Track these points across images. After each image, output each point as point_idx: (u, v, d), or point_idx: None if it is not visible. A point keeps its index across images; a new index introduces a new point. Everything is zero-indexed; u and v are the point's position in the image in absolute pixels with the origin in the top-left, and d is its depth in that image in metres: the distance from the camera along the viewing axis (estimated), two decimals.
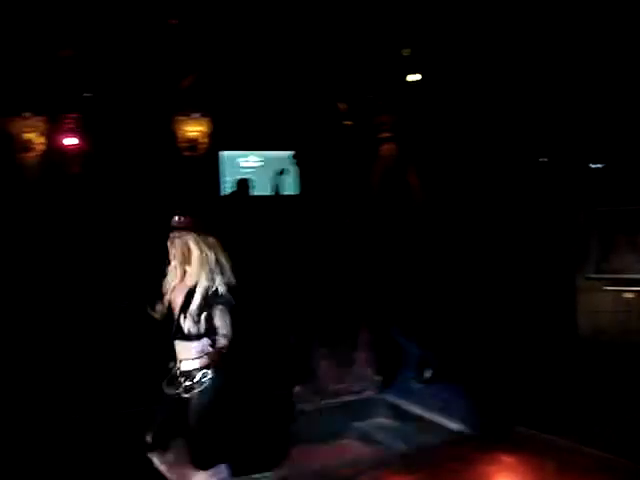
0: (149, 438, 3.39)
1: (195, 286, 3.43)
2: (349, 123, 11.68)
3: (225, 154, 11.21)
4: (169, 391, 3.44)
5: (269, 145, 11.35)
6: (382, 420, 6.27)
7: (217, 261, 3.48)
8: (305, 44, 10.99)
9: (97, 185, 10.15)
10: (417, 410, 6.08)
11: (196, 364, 3.43)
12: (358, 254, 9.02)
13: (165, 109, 10.79)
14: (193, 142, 10.75)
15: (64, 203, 9.74)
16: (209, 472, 3.39)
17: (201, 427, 3.40)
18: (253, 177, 10.60)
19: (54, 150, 10.39)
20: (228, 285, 3.46)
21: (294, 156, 11.30)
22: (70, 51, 10.21)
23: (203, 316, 3.41)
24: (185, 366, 3.44)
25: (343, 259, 9.15)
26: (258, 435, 5.27)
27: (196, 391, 3.40)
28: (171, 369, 3.53)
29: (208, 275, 3.41)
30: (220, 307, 3.41)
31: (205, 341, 3.39)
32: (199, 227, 3.50)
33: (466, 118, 10.75)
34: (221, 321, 3.41)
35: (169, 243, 3.51)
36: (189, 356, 3.42)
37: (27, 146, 10.19)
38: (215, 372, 3.44)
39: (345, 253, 9.27)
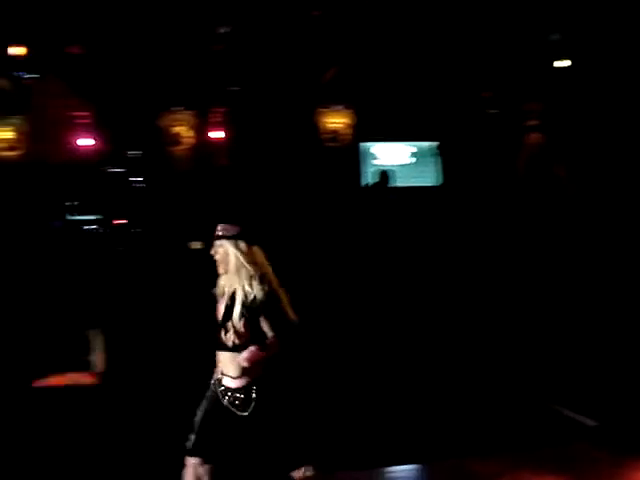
0: (189, 443, 3.28)
1: (234, 294, 3.27)
2: (494, 111, 11.36)
3: (366, 145, 11.18)
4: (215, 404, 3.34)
5: (411, 136, 11.21)
6: None
7: (255, 268, 3.29)
8: (447, 32, 10.77)
9: (243, 176, 10.37)
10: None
11: (242, 380, 3.27)
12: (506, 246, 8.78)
13: (308, 102, 10.89)
14: (335, 134, 10.80)
15: (212, 195, 10.04)
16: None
17: (274, 440, 3.26)
18: (396, 168, 10.49)
19: (202, 143, 10.71)
20: (264, 291, 3.23)
21: (438, 147, 11.13)
22: (219, 46, 10.52)
23: (244, 324, 3.23)
24: (228, 382, 3.30)
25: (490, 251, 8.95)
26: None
27: (251, 408, 3.26)
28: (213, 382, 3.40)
29: (246, 282, 3.26)
30: (262, 313, 3.25)
31: (249, 351, 3.21)
32: (240, 235, 3.34)
33: (618, 107, 10.14)
34: (267, 326, 3.29)
35: (213, 252, 3.39)
36: (233, 370, 3.27)
37: (177, 139, 10.58)
38: (261, 383, 3.29)
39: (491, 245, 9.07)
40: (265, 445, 3.23)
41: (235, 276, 3.27)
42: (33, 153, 9.91)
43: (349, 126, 11.05)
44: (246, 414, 3.22)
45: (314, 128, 11.17)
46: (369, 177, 10.83)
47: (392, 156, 11.41)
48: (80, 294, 7.48)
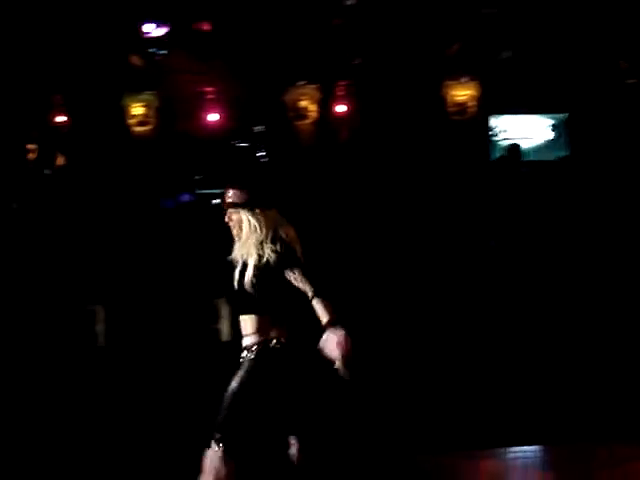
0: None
1: (247, 259, 3.16)
2: (633, 81, 10.63)
3: (495, 118, 10.77)
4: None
5: (540, 108, 10.69)
6: None
7: (266, 232, 3.15)
8: None
9: (365, 151, 10.24)
10: None
11: (251, 339, 3.18)
12: None
13: (434, 74, 10.59)
14: (462, 106, 10.45)
15: (336, 169, 9.97)
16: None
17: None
18: (526, 142, 10.04)
19: (326, 117, 10.64)
20: (276, 253, 3.07)
21: (568, 119, 10.58)
22: (340, 19, 10.38)
23: (260, 289, 3.11)
24: (245, 341, 3.22)
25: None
26: None
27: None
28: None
29: (258, 246, 3.13)
30: (291, 272, 3.06)
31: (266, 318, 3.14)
32: (253, 201, 3.21)
33: None
34: (302, 283, 3.03)
35: (227, 219, 3.29)
36: (247, 331, 3.19)
37: (302, 114, 10.54)
38: (262, 352, 3.14)
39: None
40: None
41: (247, 242, 3.19)
42: (164, 128, 10.13)
43: (475, 98, 10.67)
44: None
45: (440, 101, 10.85)
46: (498, 151, 10.43)
47: (522, 129, 10.93)
48: (208, 263, 7.60)
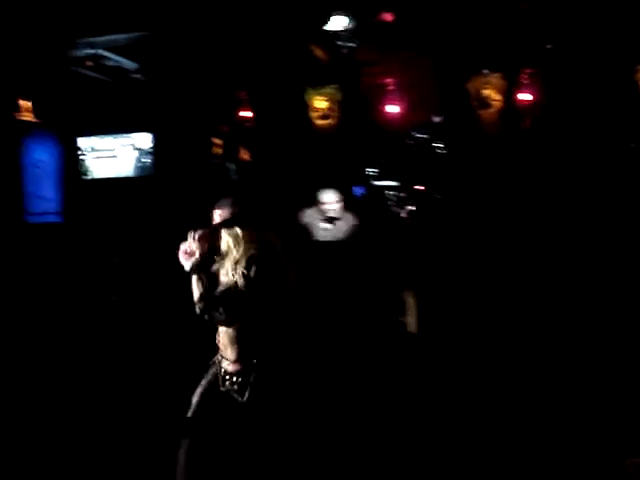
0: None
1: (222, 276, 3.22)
2: None
3: None
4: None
5: None
6: None
7: (243, 251, 3.14)
8: None
9: (549, 140, 9.97)
10: None
11: (239, 364, 3.23)
12: None
13: (625, 59, 9.87)
14: None
15: (519, 158, 9.83)
16: None
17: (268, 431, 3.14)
18: None
19: (510, 106, 10.30)
20: (244, 276, 3.07)
21: None
22: (528, 4, 9.67)
23: (230, 306, 3.12)
24: (226, 365, 3.26)
25: None
26: None
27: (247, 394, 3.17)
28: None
29: (230, 266, 3.15)
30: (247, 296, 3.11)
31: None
32: (232, 220, 3.19)
33: None
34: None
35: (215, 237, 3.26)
36: (231, 353, 3.23)
37: (485, 102, 10.24)
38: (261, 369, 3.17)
39: None
40: (258, 436, 3.13)
41: (224, 260, 3.21)
42: (344, 121, 10.17)
43: None
44: (243, 400, 3.14)
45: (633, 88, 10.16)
46: None
47: None
48: (396, 256, 7.95)
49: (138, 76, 9.65)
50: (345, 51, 9.64)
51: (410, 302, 7.26)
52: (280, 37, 9.30)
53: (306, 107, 10.15)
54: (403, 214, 10.07)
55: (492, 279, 8.03)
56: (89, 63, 8.79)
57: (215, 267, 3.23)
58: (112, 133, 9.80)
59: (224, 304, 3.09)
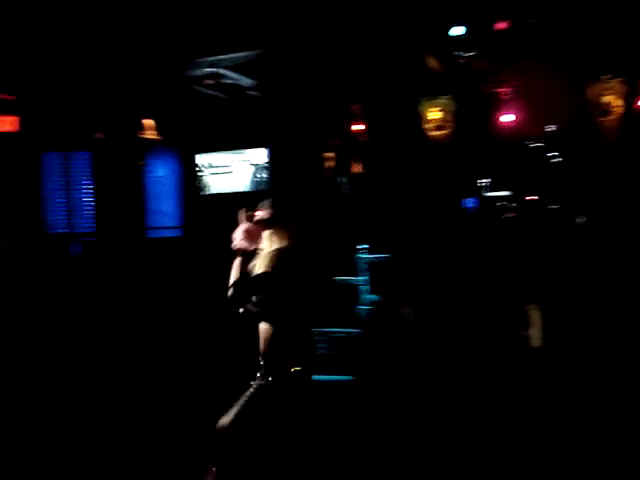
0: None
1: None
2: None
3: None
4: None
5: None
6: None
7: (268, 250, 3.23)
8: None
9: None
10: None
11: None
12: None
13: None
14: None
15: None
16: None
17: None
18: None
19: (631, 113, 9.94)
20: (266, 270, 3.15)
21: None
22: None
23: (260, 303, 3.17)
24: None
25: None
26: None
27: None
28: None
29: (259, 262, 3.25)
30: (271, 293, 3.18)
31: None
32: (268, 220, 3.31)
33: None
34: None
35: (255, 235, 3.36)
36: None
37: (605, 109, 9.90)
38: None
39: None
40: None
41: (258, 259, 3.31)
42: (458, 132, 10.03)
43: None
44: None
45: None
46: None
47: None
48: (519, 269, 7.78)
49: (254, 93, 9.76)
50: (461, 61, 9.50)
51: (534, 315, 7.12)
52: (393, 49, 9.24)
53: (419, 118, 10.04)
54: (517, 224, 9.89)
55: (616, 292, 7.75)
56: (208, 81, 8.93)
57: (252, 264, 3.33)
58: (228, 149, 9.96)
59: (253, 294, 3.18)
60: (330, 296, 3.44)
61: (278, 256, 3.21)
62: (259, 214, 3.40)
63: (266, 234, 3.35)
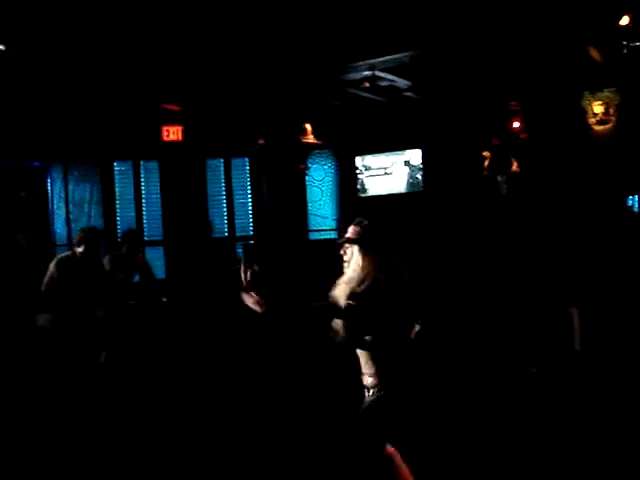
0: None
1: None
2: None
3: None
4: None
5: None
6: None
7: (360, 273, 3.25)
8: None
9: None
10: None
11: (375, 378, 3.36)
12: None
13: None
14: None
15: None
16: None
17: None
18: None
19: None
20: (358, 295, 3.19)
21: None
22: None
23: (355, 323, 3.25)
24: (365, 380, 3.41)
25: None
26: None
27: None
28: None
29: (350, 285, 3.25)
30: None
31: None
32: (359, 240, 3.33)
33: None
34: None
35: (342, 252, 3.42)
36: (365, 366, 3.36)
37: None
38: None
39: None
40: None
41: (349, 278, 3.30)
42: (621, 125, 9.62)
43: None
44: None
45: None
46: None
47: None
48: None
49: (410, 94, 9.82)
50: (625, 51, 9.09)
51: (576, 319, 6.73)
52: (553, 41, 9.01)
53: (582, 113, 9.71)
54: None
55: None
56: (366, 84, 9.07)
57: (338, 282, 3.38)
58: (385, 151, 10.06)
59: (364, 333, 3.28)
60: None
61: (368, 287, 3.26)
62: (350, 230, 3.48)
63: (350, 253, 3.40)
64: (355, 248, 3.36)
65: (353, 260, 3.35)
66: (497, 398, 5.66)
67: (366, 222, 3.47)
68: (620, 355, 6.36)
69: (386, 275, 3.29)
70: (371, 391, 3.34)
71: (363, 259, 3.33)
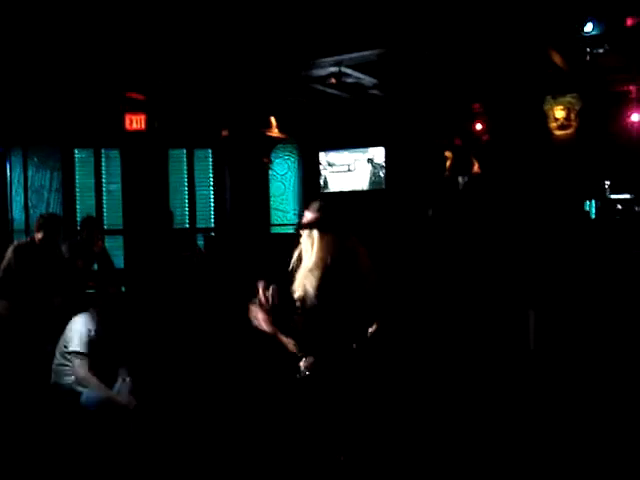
0: None
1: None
2: None
3: None
4: None
5: None
6: None
7: (316, 261, 3.13)
8: None
9: None
10: None
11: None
12: None
13: None
14: None
15: None
16: None
17: None
18: None
19: None
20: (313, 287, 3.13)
21: None
22: None
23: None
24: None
25: None
26: None
27: None
28: None
29: (305, 274, 3.19)
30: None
31: None
32: (313, 224, 3.18)
33: None
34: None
35: (301, 240, 3.27)
36: None
37: None
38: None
39: None
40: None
41: (313, 264, 3.16)
42: (582, 131, 9.80)
43: None
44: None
45: None
46: None
47: None
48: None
49: (375, 92, 9.87)
50: (587, 58, 9.26)
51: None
52: (517, 45, 9.13)
53: (543, 117, 9.87)
54: None
55: None
56: (332, 80, 9.09)
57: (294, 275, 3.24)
58: (349, 148, 10.09)
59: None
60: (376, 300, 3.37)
61: (327, 275, 3.17)
62: (305, 215, 3.34)
63: (307, 238, 3.27)
64: (315, 233, 3.21)
65: (315, 247, 3.19)
66: (452, 397, 5.69)
67: (322, 203, 3.35)
68: (573, 355, 6.46)
69: (349, 257, 3.22)
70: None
71: (327, 243, 3.19)
